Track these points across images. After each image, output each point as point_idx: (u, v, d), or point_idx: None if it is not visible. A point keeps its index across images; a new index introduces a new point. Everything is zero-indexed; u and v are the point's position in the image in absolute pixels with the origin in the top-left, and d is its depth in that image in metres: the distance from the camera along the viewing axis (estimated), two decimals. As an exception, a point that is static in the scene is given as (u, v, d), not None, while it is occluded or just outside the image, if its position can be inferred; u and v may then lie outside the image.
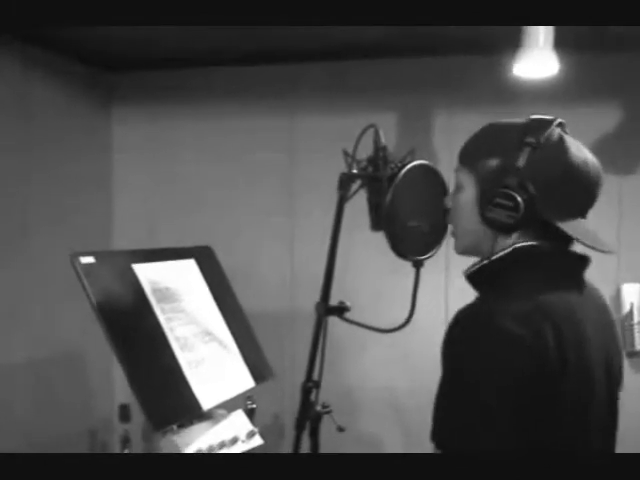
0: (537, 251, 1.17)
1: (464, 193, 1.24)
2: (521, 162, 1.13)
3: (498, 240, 1.19)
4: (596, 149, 2.45)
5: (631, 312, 2.50)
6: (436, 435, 1.09)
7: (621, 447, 1.29)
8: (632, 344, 2.50)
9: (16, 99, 2.45)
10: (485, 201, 1.17)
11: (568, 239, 1.17)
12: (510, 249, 1.17)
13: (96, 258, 1.55)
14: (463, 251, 1.30)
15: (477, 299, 1.20)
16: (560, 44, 1.94)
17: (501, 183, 1.14)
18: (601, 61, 2.47)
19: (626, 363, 2.54)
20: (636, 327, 2.49)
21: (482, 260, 1.22)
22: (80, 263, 1.50)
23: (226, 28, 2.29)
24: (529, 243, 1.17)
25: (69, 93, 2.74)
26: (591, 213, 1.24)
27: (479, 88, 2.55)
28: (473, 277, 1.24)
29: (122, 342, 1.51)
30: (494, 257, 1.18)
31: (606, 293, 2.51)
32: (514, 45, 1.99)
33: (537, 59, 1.94)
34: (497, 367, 1.04)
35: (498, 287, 1.17)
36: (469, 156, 1.25)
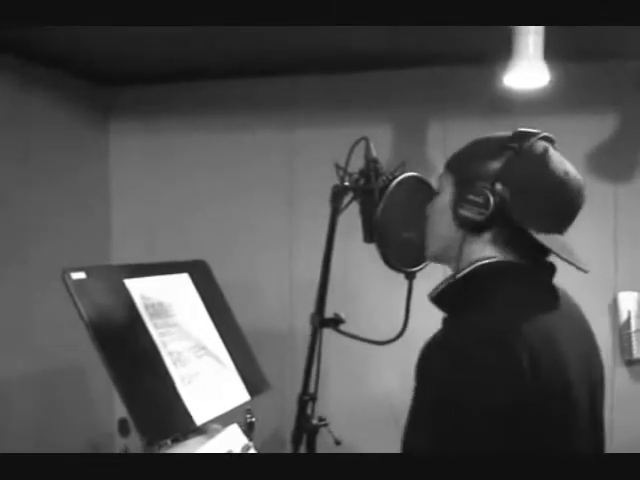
0: (503, 267, 1.15)
1: (441, 196, 1.24)
2: (498, 164, 1.14)
3: (469, 245, 1.17)
4: (589, 157, 2.50)
5: (628, 320, 2.49)
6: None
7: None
8: (630, 352, 2.49)
9: (15, 113, 2.46)
10: (458, 199, 1.17)
11: (542, 252, 1.15)
12: (472, 267, 1.16)
13: (88, 273, 1.56)
14: (433, 257, 1.29)
15: (446, 324, 1.18)
16: (550, 54, 1.95)
17: (476, 182, 1.14)
18: (591, 71, 2.48)
19: (624, 371, 2.52)
20: (634, 335, 2.47)
21: (446, 280, 1.20)
22: (71, 279, 1.51)
23: (223, 41, 2.31)
24: (493, 260, 1.15)
25: (67, 107, 2.76)
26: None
27: (473, 99, 2.56)
28: (438, 299, 1.22)
29: (114, 357, 1.51)
30: (458, 276, 1.17)
31: (603, 301, 2.56)
32: (506, 56, 2.00)
33: (527, 69, 1.95)
34: (472, 397, 1.02)
35: (466, 309, 1.15)
36: (452, 162, 1.26)
